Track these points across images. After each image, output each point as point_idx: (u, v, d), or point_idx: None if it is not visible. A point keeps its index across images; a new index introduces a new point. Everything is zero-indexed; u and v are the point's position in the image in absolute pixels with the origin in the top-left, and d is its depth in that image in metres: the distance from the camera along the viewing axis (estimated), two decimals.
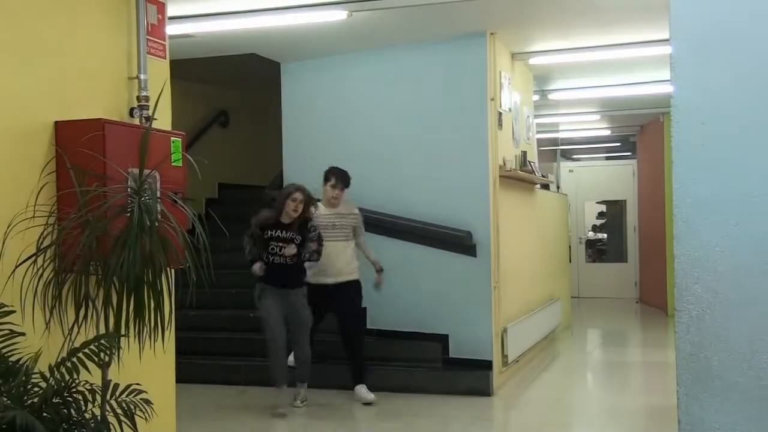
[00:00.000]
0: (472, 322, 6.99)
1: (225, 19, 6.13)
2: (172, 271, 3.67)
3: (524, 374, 7.80)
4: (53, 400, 2.97)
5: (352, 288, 6.74)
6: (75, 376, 3.02)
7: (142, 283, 3.19)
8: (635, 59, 7.96)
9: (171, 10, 4.63)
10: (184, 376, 4.96)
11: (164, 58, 4.50)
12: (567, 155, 14.94)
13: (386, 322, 7.32)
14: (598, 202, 15.28)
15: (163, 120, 4.29)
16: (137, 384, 3.28)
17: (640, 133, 13.72)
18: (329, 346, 6.91)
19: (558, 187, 11.28)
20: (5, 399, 2.87)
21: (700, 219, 2.55)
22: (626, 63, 8.25)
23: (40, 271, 3.21)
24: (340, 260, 6.65)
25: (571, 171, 14.57)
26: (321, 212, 6.66)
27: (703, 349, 2.54)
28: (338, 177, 6.71)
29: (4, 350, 3.09)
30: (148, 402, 3.25)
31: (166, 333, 3.33)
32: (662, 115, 11.32)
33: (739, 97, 2.55)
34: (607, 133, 13.86)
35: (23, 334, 3.16)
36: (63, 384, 2.99)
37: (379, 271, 6.76)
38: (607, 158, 15.90)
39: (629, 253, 14.48)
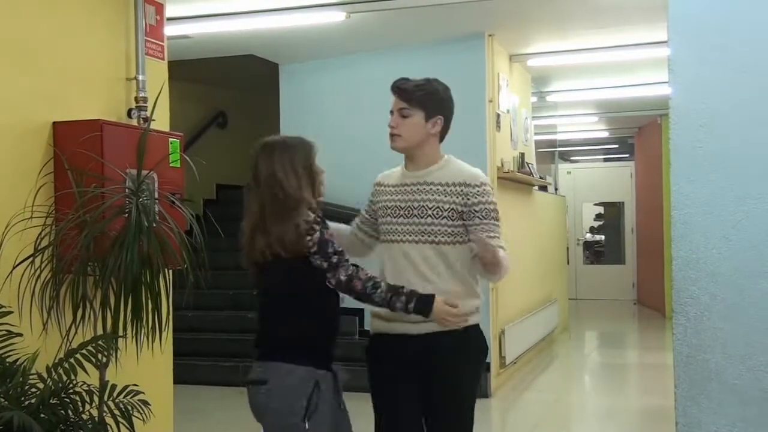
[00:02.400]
0: None
1: (223, 20, 6.12)
2: (170, 272, 3.67)
3: (522, 376, 7.79)
4: (51, 401, 2.96)
5: (452, 352, 3.08)
6: (72, 377, 3.01)
7: (140, 284, 3.19)
8: (633, 61, 7.96)
9: (169, 11, 4.62)
10: (181, 377, 4.96)
11: (162, 59, 4.50)
12: (565, 157, 14.95)
13: None
14: (595, 204, 15.28)
15: (161, 121, 4.28)
16: (135, 385, 3.28)
17: (637, 135, 13.72)
18: None
19: (556, 189, 11.28)
20: (2, 400, 2.86)
21: (697, 221, 2.56)
22: (624, 64, 8.25)
23: (38, 271, 3.20)
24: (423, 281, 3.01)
25: (569, 173, 14.58)
26: (390, 182, 3.30)
27: (701, 351, 2.54)
28: (409, 93, 3.12)
29: (1, 351, 3.09)
30: (145, 403, 3.25)
31: (164, 334, 3.33)
32: (660, 117, 11.33)
33: (737, 99, 2.55)
34: (605, 134, 13.87)
35: (20, 334, 3.16)
36: (60, 385, 2.98)
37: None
38: (605, 160, 15.91)
39: (627, 254, 14.48)
